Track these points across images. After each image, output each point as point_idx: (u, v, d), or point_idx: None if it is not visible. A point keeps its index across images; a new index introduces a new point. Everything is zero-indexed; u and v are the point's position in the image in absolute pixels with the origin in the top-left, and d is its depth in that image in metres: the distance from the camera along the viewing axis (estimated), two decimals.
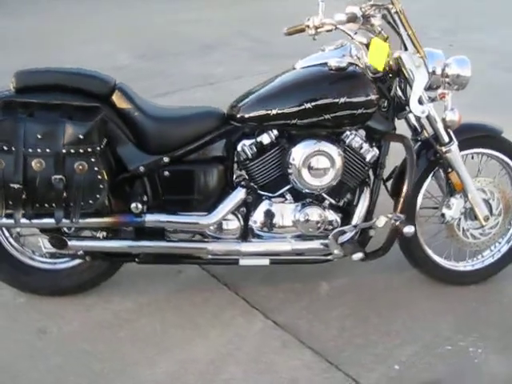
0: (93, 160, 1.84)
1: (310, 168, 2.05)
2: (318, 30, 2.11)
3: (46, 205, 1.87)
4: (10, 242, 2.19)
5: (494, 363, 2.01)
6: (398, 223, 1.98)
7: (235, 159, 2.13)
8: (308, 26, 2.10)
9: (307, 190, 2.10)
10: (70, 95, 1.94)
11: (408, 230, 2.00)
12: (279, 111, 2.02)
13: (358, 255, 2.10)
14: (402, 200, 2.00)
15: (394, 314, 2.22)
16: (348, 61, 2.06)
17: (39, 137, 1.80)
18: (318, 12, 2.06)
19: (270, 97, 2.08)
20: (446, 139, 2.13)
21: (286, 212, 2.12)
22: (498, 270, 2.40)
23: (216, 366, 1.96)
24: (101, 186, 1.87)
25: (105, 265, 2.20)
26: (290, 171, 2.07)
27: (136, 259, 2.12)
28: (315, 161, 2.05)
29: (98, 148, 1.85)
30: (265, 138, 2.09)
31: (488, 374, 1.98)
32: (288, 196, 2.14)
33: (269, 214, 2.11)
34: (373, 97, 2.04)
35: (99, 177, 1.86)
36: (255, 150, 2.10)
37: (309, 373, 1.96)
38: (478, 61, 2.69)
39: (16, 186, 1.82)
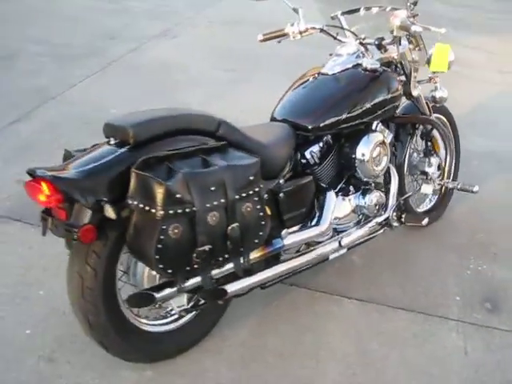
0: (256, 199, 1.80)
1: (374, 157, 2.34)
2: (303, 35, 2.38)
3: (220, 258, 1.76)
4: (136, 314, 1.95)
5: None
6: (450, 186, 2.44)
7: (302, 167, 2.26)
8: (293, 32, 2.35)
9: (366, 179, 2.38)
10: (186, 138, 1.82)
11: (451, 185, 2.46)
12: (348, 115, 2.25)
13: (421, 221, 2.50)
14: (447, 169, 2.45)
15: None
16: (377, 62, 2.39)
17: (213, 188, 1.68)
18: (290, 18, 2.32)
19: (335, 104, 2.27)
20: (428, 112, 2.67)
21: (352, 202, 2.38)
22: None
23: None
24: (263, 223, 1.83)
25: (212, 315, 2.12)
26: (356, 164, 2.32)
27: (261, 286, 2.10)
28: (377, 150, 2.34)
29: (262, 185, 1.82)
30: (326, 142, 2.30)
31: None
32: (350, 188, 2.39)
33: (343, 208, 2.34)
34: (401, 90, 2.43)
35: (261, 214, 1.81)
36: (319, 154, 2.28)
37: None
38: None
39: (202, 248, 1.68)
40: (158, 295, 1.78)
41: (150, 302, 1.80)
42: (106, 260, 1.76)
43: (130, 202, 1.63)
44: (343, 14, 2.57)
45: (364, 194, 2.40)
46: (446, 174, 2.43)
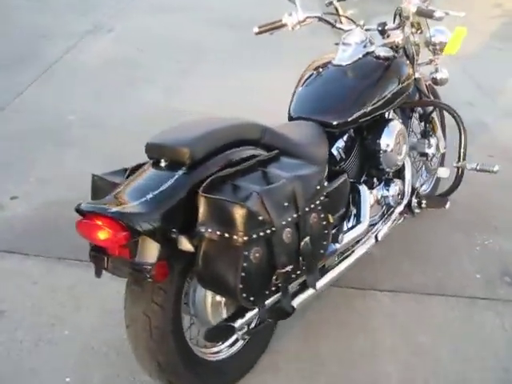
0: (320, 208, 1.69)
1: (396, 147, 2.30)
2: (302, 24, 2.32)
3: (294, 275, 1.66)
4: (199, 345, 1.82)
5: None
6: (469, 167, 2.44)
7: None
8: (292, 23, 2.30)
9: (389, 169, 2.34)
10: (237, 150, 1.69)
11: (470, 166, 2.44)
12: (372, 107, 2.19)
13: (443, 204, 2.49)
14: (463, 150, 2.44)
15: None
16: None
17: (286, 204, 1.57)
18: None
19: (359, 97, 2.20)
20: (428, 94, 2.66)
21: (377, 194, 2.34)
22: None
23: None
24: (326, 232, 1.73)
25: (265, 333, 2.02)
26: (380, 156, 2.27)
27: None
28: (398, 139, 2.30)
29: (324, 193, 1.72)
30: (349, 136, 2.24)
31: None
32: (374, 180, 2.35)
33: (371, 202, 2.29)
34: (412, 75, 2.40)
35: (325, 222, 1.72)
36: (344, 149, 2.22)
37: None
38: None
39: (284, 269, 1.57)
40: (237, 325, 1.66)
41: (231, 333, 1.68)
42: (174, 296, 1.61)
43: (203, 229, 1.48)
44: (339, 0, 2.50)
45: (387, 184, 2.36)
46: (462, 156, 2.43)
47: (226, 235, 1.45)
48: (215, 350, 1.86)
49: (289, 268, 1.57)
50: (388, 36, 2.38)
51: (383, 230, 2.30)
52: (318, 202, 1.66)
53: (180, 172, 1.55)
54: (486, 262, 2.66)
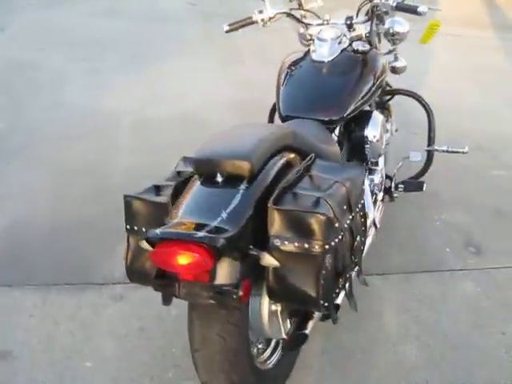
0: (360, 206, 1.76)
1: (382, 137, 2.41)
2: (271, 21, 2.39)
3: (351, 275, 1.71)
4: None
5: None
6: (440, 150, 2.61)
7: None
8: (262, 19, 2.35)
9: (374, 159, 2.46)
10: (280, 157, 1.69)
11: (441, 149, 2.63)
12: (362, 100, 2.27)
13: (421, 187, 2.64)
14: (432, 134, 2.61)
15: None
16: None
17: (344, 207, 1.59)
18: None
19: (349, 91, 2.25)
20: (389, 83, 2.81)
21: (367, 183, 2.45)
22: None
23: None
24: (364, 228, 1.81)
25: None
26: (368, 146, 2.36)
27: None
28: (382, 129, 2.43)
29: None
30: (339, 130, 2.33)
31: None
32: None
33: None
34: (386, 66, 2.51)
35: (363, 219, 1.79)
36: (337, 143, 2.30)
37: None
38: None
39: (349, 272, 1.62)
40: (308, 331, 1.68)
41: (304, 340, 1.69)
42: (246, 313, 1.59)
43: (278, 242, 1.47)
44: None
45: (371, 173, 2.48)
46: (431, 140, 2.60)
47: (306, 245, 1.45)
48: (265, 357, 1.87)
49: (349, 269, 1.62)
50: (354, 30, 2.46)
51: (377, 217, 2.41)
52: (362, 201, 1.73)
53: (243, 186, 1.52)
54: (449, 235, 2.89)
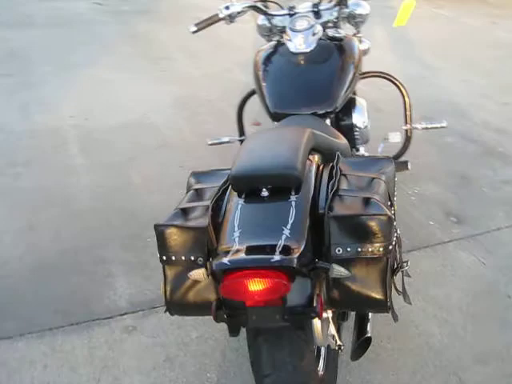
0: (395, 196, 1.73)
1: (368, 122, 2.42)
2: (238, 16, 2.34)
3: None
4: None
5: None
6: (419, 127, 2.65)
7: None
8: (230, 15, 2.29)
9: (363, 145, 2.45)
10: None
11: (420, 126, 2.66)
12: (350, 88, 2.24)
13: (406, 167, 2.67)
14: (409, 113, 2.64)
15: None
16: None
17: (389, 203, 1.56)
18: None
19: (336, 80, 2.22)
20: None
21: None
22: None
23: None
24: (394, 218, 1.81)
25: None
26: (357, 133, 2.37)
27: None
28: (368, 113, 2.44)
29: None
30: (331, 121, 2.30)
31: None
32: None
33: None
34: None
35: (393, 210, 1.78)
36: None
37: None
38: None
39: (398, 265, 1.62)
40: (370, 333, 1.66)
41: (370, 343, 1.66)
42: (311, 328, 1.55)
43: (340, 250, 1.42)
44: None
45: None
46: (409, 119, 2.63)
47: (370, 249, 1.41)
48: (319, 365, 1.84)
49: (402, 264, 1.61)
50: (320, 17, 2.41)
51: None
52: (396, 192, 1.72)
53: (293, 198, 1.46)
54: (427, 208, 2.98)
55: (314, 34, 2.29)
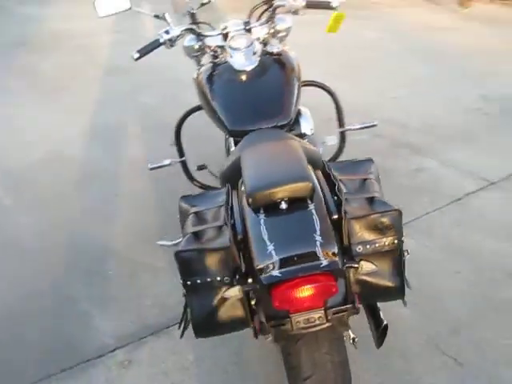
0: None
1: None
2: (178, 39, 2.41)
3: None
4: None
5: None
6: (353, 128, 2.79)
7: None
8: (170, 40, 2.36)
9: None
10: None
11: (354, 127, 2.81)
12: (297, 99, 2.34)
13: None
14: (342, 117, 2.80)
15: None
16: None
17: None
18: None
19: (288, 94, 2.31)
20: None
21: None
22: None
23: None
24: None
25: None
26: (308, 140, 2.46)
27: None
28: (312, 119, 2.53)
29: None
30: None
31: None
32: None
33: None
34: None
35: None
36: None
37: None
38: None
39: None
40: (385, 321, 1.75)
41: (387, 330, 1.75)
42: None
43: (361, 249, 1.56)
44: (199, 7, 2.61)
45: None
46: (342, 122, 2.81)
47: (387, 242, 1.56)
48: None
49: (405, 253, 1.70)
50: (252, 34, 2.46)
51: None
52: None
53: (311, 206, 1.57)
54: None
55: (254, 51, 2.38)
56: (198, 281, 1.54)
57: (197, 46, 2.54)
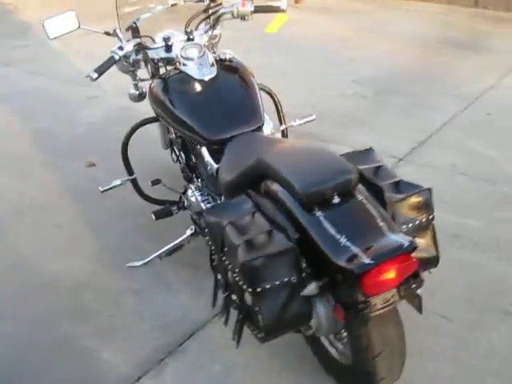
0: None
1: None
2: (129, 54, 2.46)
3: None
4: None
5: None
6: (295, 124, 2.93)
7: None
8: (125, 56, 2.42)
9: None
10: None
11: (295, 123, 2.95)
12: (261, 100, 2.50)
13: None
14: (282, 115, 2.89)
15: None
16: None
17: None
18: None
19: (252, 97, 2.46)
20: None
21: None
22: None
23: None
24: None
25: None
26: None
27: None
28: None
29: None
30: None
31: None
32: None
33: None
34: None
35: None
36: None
37: None
38: None
39: None
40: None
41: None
42: None
43: (405, 228, 1.75)
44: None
45: None
46: (283, 120, 2.89)
47: (424, 219, 1.79)
48: None
49: None
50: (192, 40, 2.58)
51: None
52: None
53: (360, 196, 1.72)
54: None
55: (209, 60, 2.46)
56: (268, 286, 1.63)
57: (131, 61, 2.55)
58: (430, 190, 1.81)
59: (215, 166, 2.37)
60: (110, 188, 2.85)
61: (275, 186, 1.85)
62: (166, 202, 2.92)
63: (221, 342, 2.32)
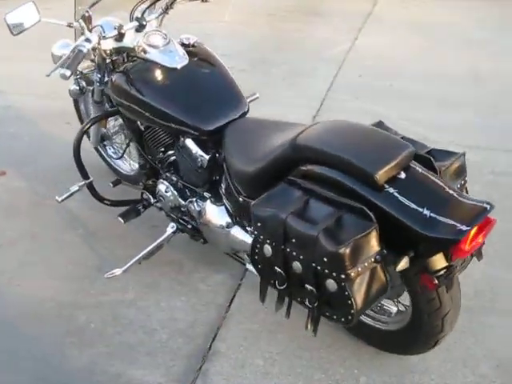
0: None
1: None
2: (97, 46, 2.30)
3: None
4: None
5: None
6: None
7: None
8: (93, 48, 2.26)
9: None
10: None
11: None
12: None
13: None
14: None
15: None
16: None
17: None
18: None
19: (230, 81, 2.38)
20: None
21: None
22: None
23: None
24: None
25: None
26: None
27: None
28: None
29: None
30: None
31: None
32: None
33: None
34: None
35: None
36: None
37: None
38: None
39: None
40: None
41: None
42: None
43: None
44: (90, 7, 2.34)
45: None
46: None
47: (463, 182, 1.93)
48: None
49: None
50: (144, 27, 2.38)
51: None
52: None
53: (419, 168, 1.77)
54: None
55: (176, 46, 2.32)
56: (359, 268, 1.66)
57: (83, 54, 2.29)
58: (464, 154, 1.94)
59: (206, 157, 2.28)
60: (68, 196, 2.59)
61: (324, 170, 1.82)
62: (130, 201, 2.71)
63: (248, 335, 2.29)
